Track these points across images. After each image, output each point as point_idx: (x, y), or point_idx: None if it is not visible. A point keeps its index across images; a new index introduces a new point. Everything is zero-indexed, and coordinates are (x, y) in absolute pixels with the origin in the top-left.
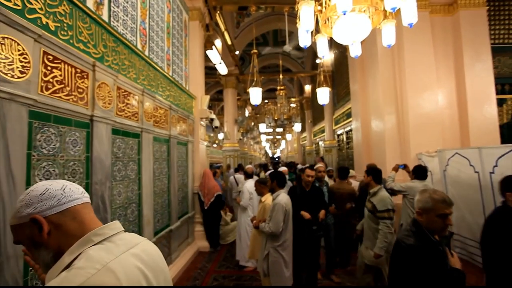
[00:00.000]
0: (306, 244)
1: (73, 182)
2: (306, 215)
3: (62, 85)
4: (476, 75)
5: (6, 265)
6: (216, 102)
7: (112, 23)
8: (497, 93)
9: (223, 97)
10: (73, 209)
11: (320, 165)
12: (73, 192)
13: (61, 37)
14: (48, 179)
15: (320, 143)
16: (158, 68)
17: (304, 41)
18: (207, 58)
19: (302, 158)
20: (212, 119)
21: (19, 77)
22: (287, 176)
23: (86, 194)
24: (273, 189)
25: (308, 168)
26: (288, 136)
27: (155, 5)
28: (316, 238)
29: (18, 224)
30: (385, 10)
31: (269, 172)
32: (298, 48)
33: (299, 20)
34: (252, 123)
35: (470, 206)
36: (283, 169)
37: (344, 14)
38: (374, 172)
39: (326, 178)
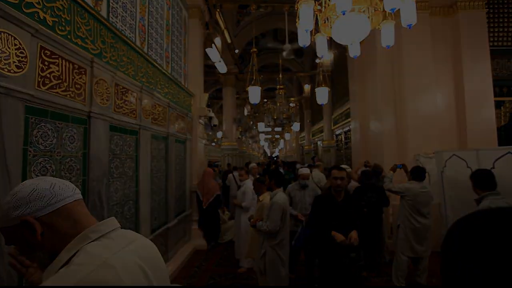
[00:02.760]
0: (343, 279)
1: (70, 178)
2: (339, 236)
3: (60, 81)
4: (475, 77)
5: (0, 262)
6: (215, 100)
7: (110, 19)
8: (495, 95)
9: (222, 96)
10: (65, 207)
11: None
12: (63, 190)
13: (59, 32)
14: (45, 175)
15: (319, 143)
16: (157, 65)
17: (304, 40)
18: (206, 56)
19: (300, 158)
20: (210, 117)
21: (15, 72)
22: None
23: (77, 191)
24: (271, 187)
25: (335, 168)
26: (287, 136)
27: (155, 2)
28: (356, 270)
29: (8, 227)
30: (384, 11)
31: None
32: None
33: (298, 19)
34: (251, 122)
35: (468, 207)
36: (304, 170)
37: (344, 14)
38: (475, 176)
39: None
